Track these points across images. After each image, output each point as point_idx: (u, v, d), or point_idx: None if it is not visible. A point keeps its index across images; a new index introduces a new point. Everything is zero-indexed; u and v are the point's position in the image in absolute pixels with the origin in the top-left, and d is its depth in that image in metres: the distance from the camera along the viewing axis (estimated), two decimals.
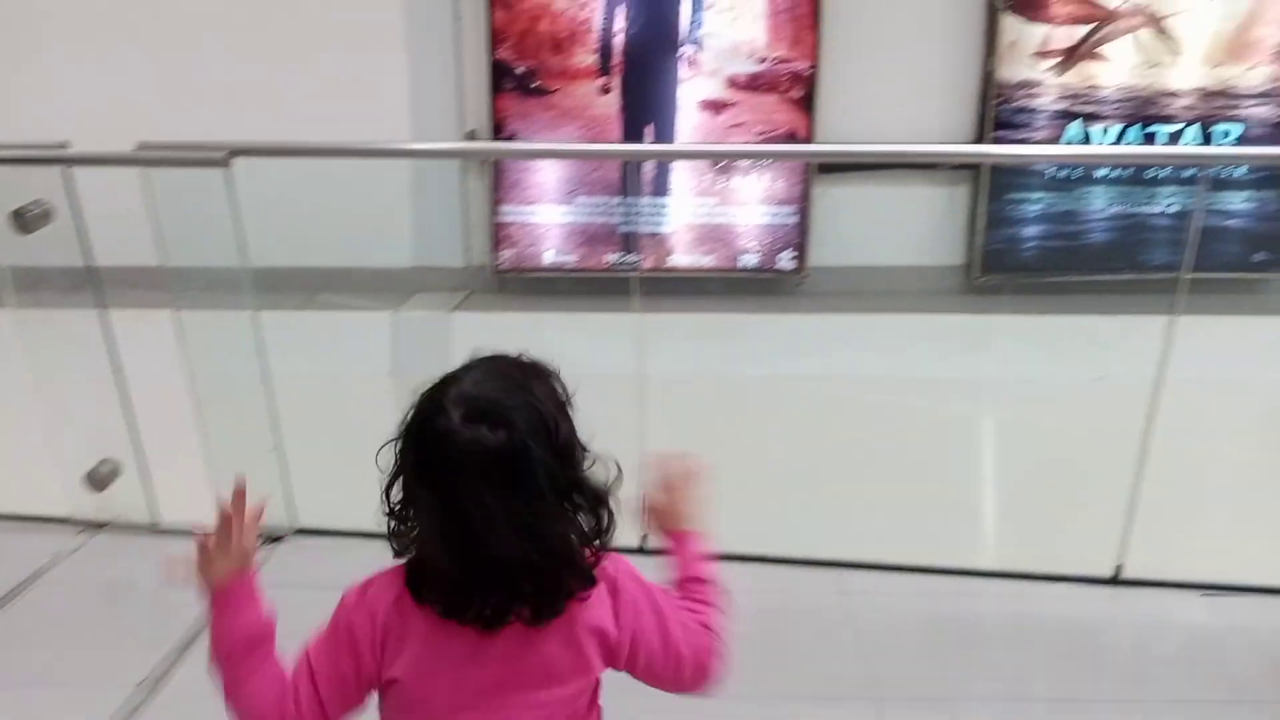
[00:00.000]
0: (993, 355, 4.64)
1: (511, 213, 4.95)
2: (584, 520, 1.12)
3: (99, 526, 2.95)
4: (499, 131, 4.80)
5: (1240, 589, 2.59)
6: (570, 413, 1.13)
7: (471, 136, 4.94)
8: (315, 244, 4.73)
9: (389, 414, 1.14)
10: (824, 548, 2.72)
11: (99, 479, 2.93)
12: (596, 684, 1.21)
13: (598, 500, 1.12)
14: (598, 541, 1.14)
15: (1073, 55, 4.57)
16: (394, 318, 4.82)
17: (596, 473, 1.14)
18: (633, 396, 2.84)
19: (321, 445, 3.02)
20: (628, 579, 1.19)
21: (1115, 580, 2.61)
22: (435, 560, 1.09)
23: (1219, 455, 3.46)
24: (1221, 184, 4.70)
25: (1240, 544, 2.88)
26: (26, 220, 2.29)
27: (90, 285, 2.66)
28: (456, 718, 1.13)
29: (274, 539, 2.85)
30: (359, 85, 4.88)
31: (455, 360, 1.17)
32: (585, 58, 4.72)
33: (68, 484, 2.95)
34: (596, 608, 1.15)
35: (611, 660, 1.18)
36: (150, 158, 2.26)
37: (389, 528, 1.14)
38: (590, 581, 1.13)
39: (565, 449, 1.10)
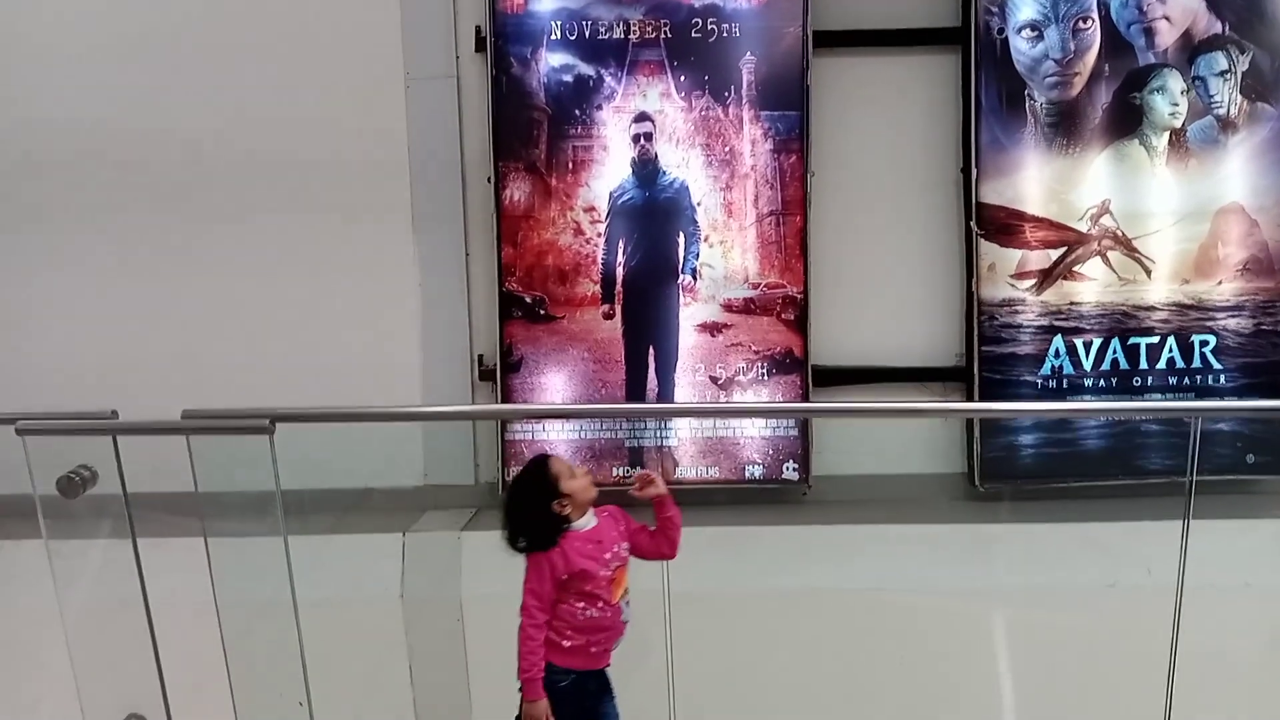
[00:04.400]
0: (1003, 565, 4.66)
1: (520, 430, 5.09)
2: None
3: None
4: (508, 356, 5.01)
5: None
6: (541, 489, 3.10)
7: (480, 361, 5.14)
8: (329, 467, 4.82)
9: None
10: None
11: None
12: None
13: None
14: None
15: (1049, 276, 4.84)
16: (405, 539, 4.86)
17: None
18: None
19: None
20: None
21: None
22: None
23: (1242, 675, 3.45)
24: (1206, 391, 4.88)
25: None
26: (73, 485, 2.39)
27: (126, 520, 2.70)
28: None
29: None
30: (374, 314, 5.15)
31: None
32: (589, 287, 4.99)
33: None
34: None
35: None
36: (197, 426, 2.39)
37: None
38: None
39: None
